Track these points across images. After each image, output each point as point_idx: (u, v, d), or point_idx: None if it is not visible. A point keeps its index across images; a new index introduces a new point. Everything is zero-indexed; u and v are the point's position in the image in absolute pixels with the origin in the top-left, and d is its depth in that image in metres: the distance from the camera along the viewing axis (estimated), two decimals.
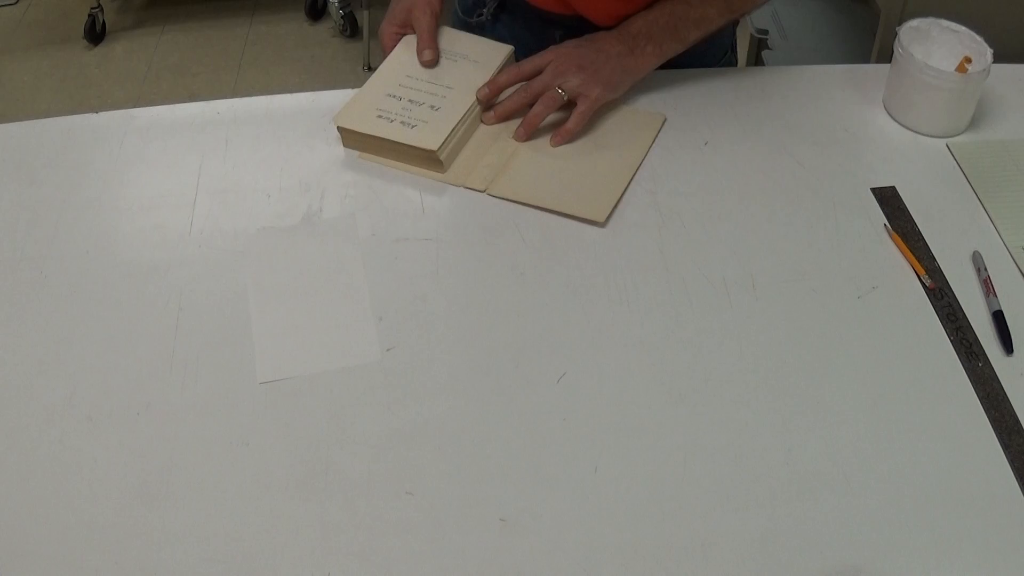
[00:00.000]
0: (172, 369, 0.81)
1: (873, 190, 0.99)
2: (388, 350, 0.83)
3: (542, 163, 1.00)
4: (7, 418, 0.78)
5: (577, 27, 1.09)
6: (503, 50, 1.09)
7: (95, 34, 2.81)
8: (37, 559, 0.69)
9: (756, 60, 2.09)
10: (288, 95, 1.09)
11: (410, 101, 1.03)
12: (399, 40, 1.11)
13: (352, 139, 1.02)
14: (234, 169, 1.00)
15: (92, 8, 2.77)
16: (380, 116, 1.01)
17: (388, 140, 0.99)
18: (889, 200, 0.97)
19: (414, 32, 1.09)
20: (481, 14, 1.21)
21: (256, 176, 0.99)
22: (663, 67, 1.08)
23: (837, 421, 0.78)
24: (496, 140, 1.03)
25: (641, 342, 0.83)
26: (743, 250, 0.92)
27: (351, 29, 2.87)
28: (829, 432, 0.77)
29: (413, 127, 0.99)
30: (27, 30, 2.90)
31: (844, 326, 0.85)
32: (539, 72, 1.03)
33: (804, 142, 1.04)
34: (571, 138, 1.02)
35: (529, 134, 1.02)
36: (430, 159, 0.99)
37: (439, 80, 1.06)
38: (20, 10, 2.98)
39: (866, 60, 1.80)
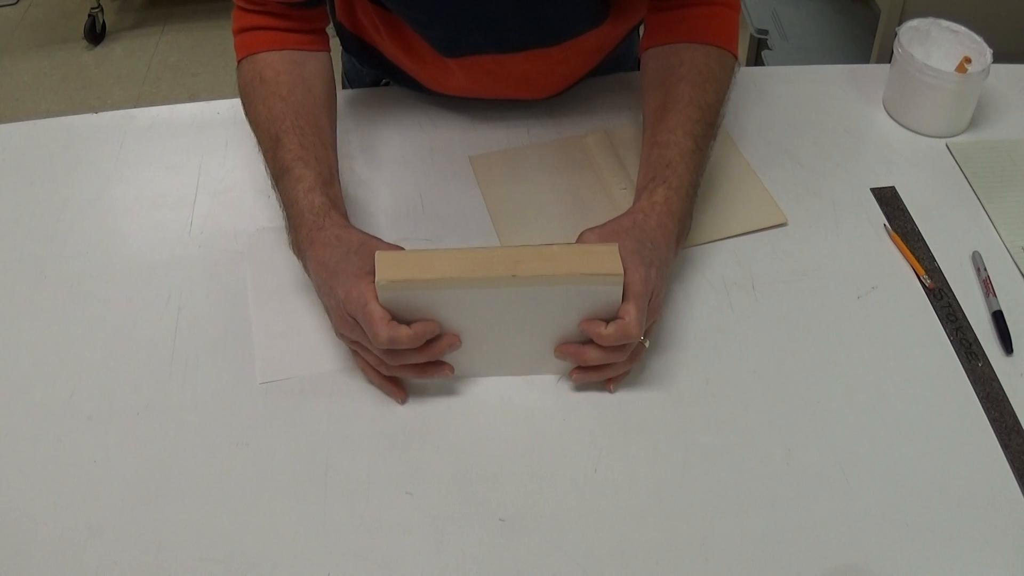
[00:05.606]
0: (172, 369, 0.81)
1: (873, 190, 0.99)
2: None
3: None
4: (7, 418, 0.78)
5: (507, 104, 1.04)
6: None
7: (95, 34, 2.80)
8: (37, 559, 0.69)
9: (756, 60, 2.09)
10: None
11: None
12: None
13: None
14: (234, 169, 1.00)
15: (92, 8, 2.77)
16: None
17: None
18: (889, 200, 0.97)
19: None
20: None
21: (256, 176, 0.99)
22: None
23: (837, 421, 0.78)
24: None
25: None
26: (743, 250, 0.92)
27: None
28: (829, 432, 0.77)
29: None
30: (27, 30, 2.90)
31: (844, 326, 0.85)
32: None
33: (804, 142, 1.04)
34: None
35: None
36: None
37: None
38: (20, 10, 2.98)
39: (866, 60, 1.80)
